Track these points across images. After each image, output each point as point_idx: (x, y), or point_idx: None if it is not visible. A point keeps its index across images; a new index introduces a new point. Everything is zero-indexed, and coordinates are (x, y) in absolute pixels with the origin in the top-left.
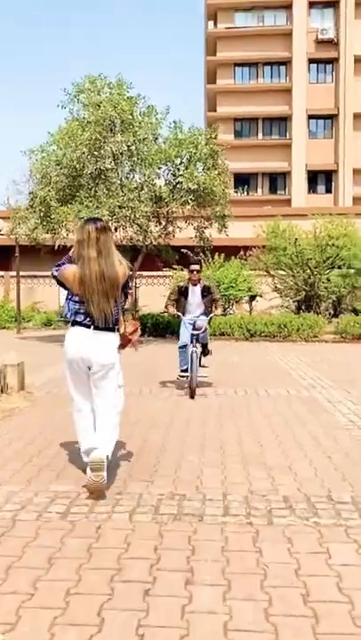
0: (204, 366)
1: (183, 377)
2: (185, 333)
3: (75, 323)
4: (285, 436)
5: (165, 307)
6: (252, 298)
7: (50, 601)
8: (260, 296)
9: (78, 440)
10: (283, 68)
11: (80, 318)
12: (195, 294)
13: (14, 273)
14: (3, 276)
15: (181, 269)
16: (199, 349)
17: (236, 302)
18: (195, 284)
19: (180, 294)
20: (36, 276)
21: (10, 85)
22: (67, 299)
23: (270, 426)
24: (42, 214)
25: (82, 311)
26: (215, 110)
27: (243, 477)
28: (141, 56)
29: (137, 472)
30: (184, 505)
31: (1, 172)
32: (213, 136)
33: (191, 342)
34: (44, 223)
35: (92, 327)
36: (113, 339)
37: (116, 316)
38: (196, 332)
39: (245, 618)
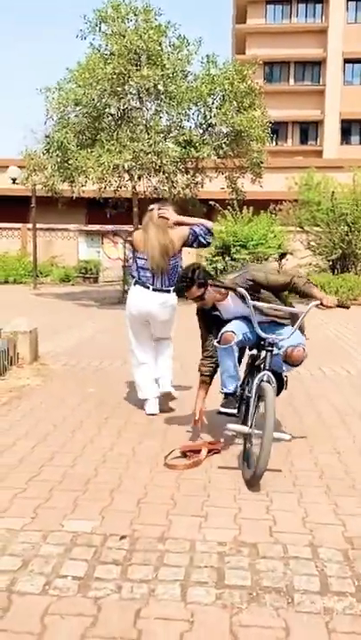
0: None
1: (227, 412)
2: (232, 323)
3: (137, 282)
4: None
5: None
6: (282, 256)
7: None
8: (291, 254)
9: (139, 390)
10: (318, 6)
11: (144, 278)
12: None
13: (31, 225)
14: (20, 229)
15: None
16: (271, 383)
17: (265, 260)
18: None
19: None
20: (54, 229)
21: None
22: (133, 259)
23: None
24: (59, 160)
25: (145, 271)
26: (244, 53)
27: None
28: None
29: None
30: None
31: (19, 118)
32: (252, 71)
33: (253, 364)
34: (62, 170)
35: (150, 288)
36: (170, 298)
37: (174, 276)
38: (270, 347)
39: None
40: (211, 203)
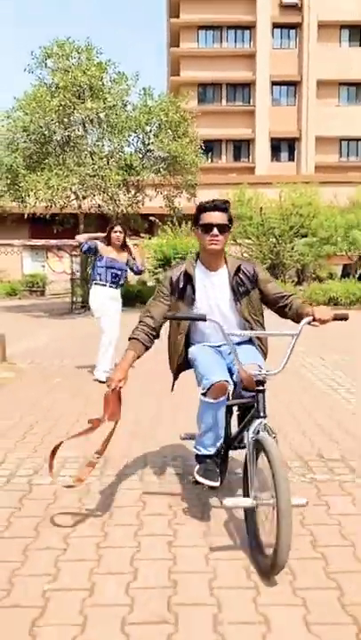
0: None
1: (207, 484)
2: (215, 363)
3: (96, 283)
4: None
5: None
6: None
7: (77, 580)
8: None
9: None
10: (247, 32)
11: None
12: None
13: None
14: None
15: (149, 238)
16: (271, 433)
17: None
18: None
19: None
20: None
21: None
22: (94, 266)
23: None
24: (9, 182)
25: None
26: (179, 75)
27: None
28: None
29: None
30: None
31: None
32: (185, 102)
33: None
34: (12, 191)
35: (107, 285)
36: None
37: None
38: (260, 385)
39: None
40: (151, 218)
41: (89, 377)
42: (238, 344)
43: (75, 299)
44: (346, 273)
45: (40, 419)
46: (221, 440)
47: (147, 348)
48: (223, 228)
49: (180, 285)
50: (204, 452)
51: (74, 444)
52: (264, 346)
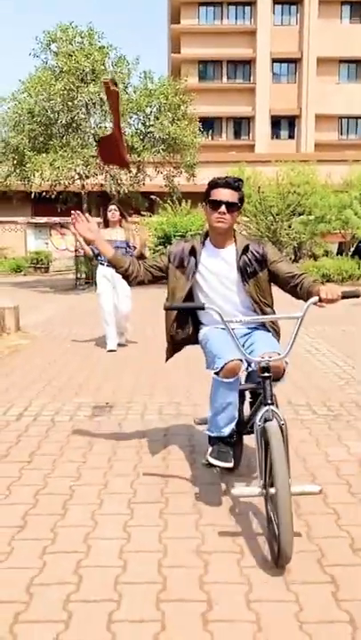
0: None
1: (220, 466)
2: (227, 344)
3: (102, 262)
4: None
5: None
6: None
7: (94, 471)
8: None
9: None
10: (248, 8)
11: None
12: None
13: None
14: None
15: (150, 216)
16: (279, 421)
17: None
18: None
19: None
20: (2, 222)
21: None
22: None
23: None
24: (15, 162)
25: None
26: (179, 52)
27: None
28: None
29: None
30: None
31: None
32: (183, 84)
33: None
34: (18, 171)
35: (104, 264)
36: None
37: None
38: (265, 372)
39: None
40: (152, 197)
41: (96, 343)
42: (252, 329)
43: (79, 275)
44: (341, 251)
45: (56, 375)
46: (235, 421)
47: (124, 264)
48: (232, 207)
49: (182, 259)
50: (217, 433)
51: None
52: (277, 326)
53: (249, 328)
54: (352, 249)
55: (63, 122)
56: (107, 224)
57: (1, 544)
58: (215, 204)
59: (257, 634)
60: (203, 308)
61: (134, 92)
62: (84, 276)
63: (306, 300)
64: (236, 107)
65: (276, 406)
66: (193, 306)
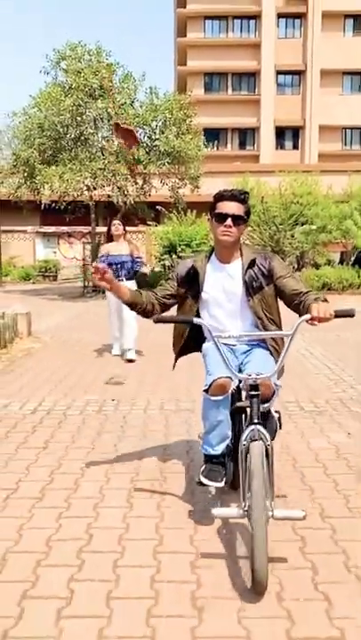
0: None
1: (210, 484)
2: (221, 362)
3: None
4: None
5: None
6: None
7: (102, 455)
8: None
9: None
10: (252, 22)
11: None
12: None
13: None
14: None
15: (155, 225)
16: (264, 440)
17: None
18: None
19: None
20: (10, 231)
21: None
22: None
23: None
24: (25, 174)
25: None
26: (185, 64)
27: None
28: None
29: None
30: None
31: None
32: (187, 101)
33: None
34: (28, 183)
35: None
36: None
37: (131, 272)
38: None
39: None
40: (157, 207)
41: (104, 348)
42: (252, 347)
43: (86, 283)
44: (343, 260)
45: (66, 375)
46: (228, 440)
47: (141, 305)
48: (238, 220)
49: (188, 279)
50: (210, 451)
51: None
52: (278, 345)
53: (249, 345)
54: (353, 258)
55: (72, 136)
56: (110, 238)
57: (24, 511)
58: (221, 218)
59: None
60: (191, 322)
61: (140, 106)
62: (91, 284)
63: (296, 311)
64: (241, 118)
65: (279, 424)
66: (181, 319)
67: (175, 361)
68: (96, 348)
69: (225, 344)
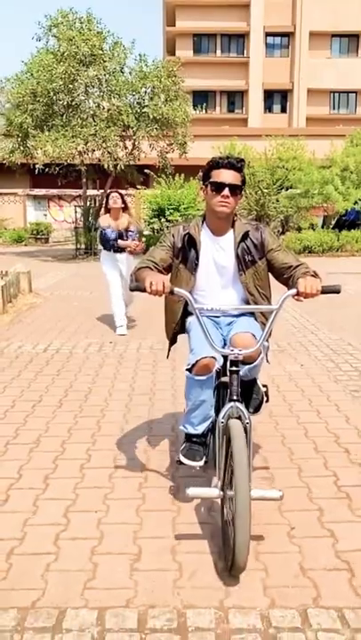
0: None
1: (190, 464)
2: (205, 339)
3: (106, 248)
4: None
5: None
6: None
7: (104, 380)
8: None
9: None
10: None
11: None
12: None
13: None
14: None
15: (145, 189)
16: (243, 419)
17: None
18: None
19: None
20: (2, 194)
21: None
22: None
23: None
24: (19, 139)
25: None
26: (174, 25)
27: None
28: None
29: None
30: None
31: None
32: (176, 68)
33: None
34: (22, 147)
35: (110, 251)
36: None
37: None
38: (234, 366)
39: None
40: (146, 171)
41: (98, 303)
42: (237, 316)
43: (79, 245)
44: (325, 224)
45: (68, 324)
46: (210, 419)
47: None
48: (235, 190)
49: (183, 248)
50: (191, 430)
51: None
52: (266, 320)
53: (234, 316)
54: (333, 222)
55: (64, 103)
56: (107, 210)
57: (46, 417)
58: (217, 187)
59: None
60: (171, 292)
61: (130, 73)
62: (83, 246)
63: (284, 283)
64: (229, 80)
65: (267, 397)
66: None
67: (169, 347)
68: (92, 303)
69: (209, 316)
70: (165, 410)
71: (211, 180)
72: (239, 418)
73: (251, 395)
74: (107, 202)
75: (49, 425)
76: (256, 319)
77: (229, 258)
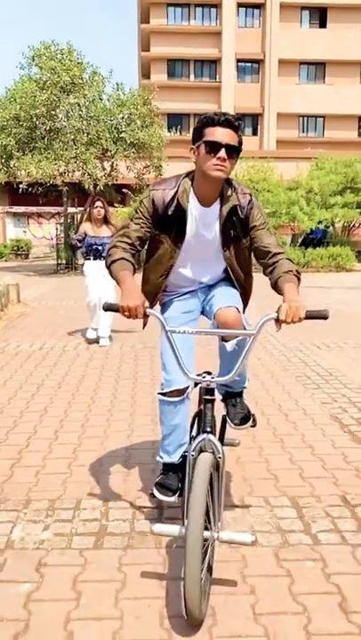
0: (232, 444)
1: (163, 499)
2: (177, 365)
3: (87, 258)
4: None
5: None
6: None
7: (93, 370)
8: None
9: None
10: (213, 10)
11: (90, 256)
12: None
13: None
14: None
15: (122, 207)
16: (216, 453)
17: None
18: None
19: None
20: None
21: None
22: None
23: None
24: (3, 160)
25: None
26: (149, 50)
27: None
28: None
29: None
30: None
31: None
32: (151, 97)
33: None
34: (5, 168)
35: (91, 259)
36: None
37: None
38: (208, 394)
39: None
40: (124, 190)
41: (85, 310)
42: (214, 284)
43: (59, 260)
44: (293, 241)
45: (57, 329)
46: (185, 446)
47: (134, 270)
48: (232, 152)
49: (166, 217)
50: (166, 459)
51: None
52: (246, 290)
53: (210, 286)
54: (300, 240)
55: (47, 127)
56: (89, 217)
57: (49, 394)
58: (213, 147)
59: None
60: (146, 316)
61: (108, 99)
62: (64, 261)
63: (272, 287)
64: (202, 104)
65: (254, 421)
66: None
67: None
68: (76, 312)
69: (187, 292)
70: (146, 390)
71: (205, 138)
72: (213, 452)
73: (235, 405)
74: (90, 211)
75: (52, 399)
76: (234, 285)
77: (214, 231)
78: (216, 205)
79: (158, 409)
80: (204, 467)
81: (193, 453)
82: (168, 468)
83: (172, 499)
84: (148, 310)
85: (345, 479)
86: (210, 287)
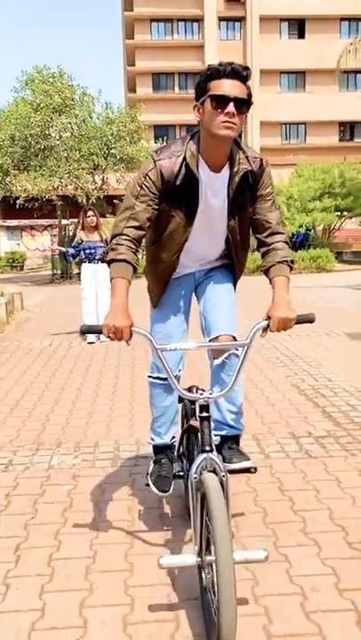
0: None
1: (153, 491)
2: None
3: (83, 260)
4: None
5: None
6: None
7: (97, 364)
8: None
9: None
10: (195, 25)
11: (87, 259)
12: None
13: None
14: None
15: (113, 217)
16: (218, 472)
17: None
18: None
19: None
20: None
21: None
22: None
23: None
24: (0, 178)
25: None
26: (134, 64)
27: None
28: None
29: None
30: None
31: None
32: (139, 114)
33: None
34: (2, 185)
35: (86, 262)
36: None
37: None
38: (204, 412)
39: None
40: (115, 202)
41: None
42: (210, 275)
43: (55, 270)
44: None
45: (61, 330)
46: (177, 426)
47: (135, 270)
48: (242, 106)
49: (174, 188)
50: (158, 441)
51: None
52: (241, 261)
53: (207, 272)
54: None
55: (41, 146)
56: (83, 225)
57: (63, 378)
58: (220, 102)
59: None
60: (129, 336)
61: (97, 118)
62: (59, 271)
63: (264, 273)
64: (188, 115)
65: (255, 468)
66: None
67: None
68: (77, 316)
69: (184, 275)
70: (142, 373)
71: (210, 93)
72: (214, 471)
73: (232, 448)
74: (83, 220)
75: (66, 381)
76: (233, 270)
77: (222, 199)
78: (226, 171)
79: (149, 391)
80: (217, 488)
81: (195, 475)
82: (160, 450)
83: (167, 493)
84: (136, 329)
85: (295, 423)
86: (206, 274)
